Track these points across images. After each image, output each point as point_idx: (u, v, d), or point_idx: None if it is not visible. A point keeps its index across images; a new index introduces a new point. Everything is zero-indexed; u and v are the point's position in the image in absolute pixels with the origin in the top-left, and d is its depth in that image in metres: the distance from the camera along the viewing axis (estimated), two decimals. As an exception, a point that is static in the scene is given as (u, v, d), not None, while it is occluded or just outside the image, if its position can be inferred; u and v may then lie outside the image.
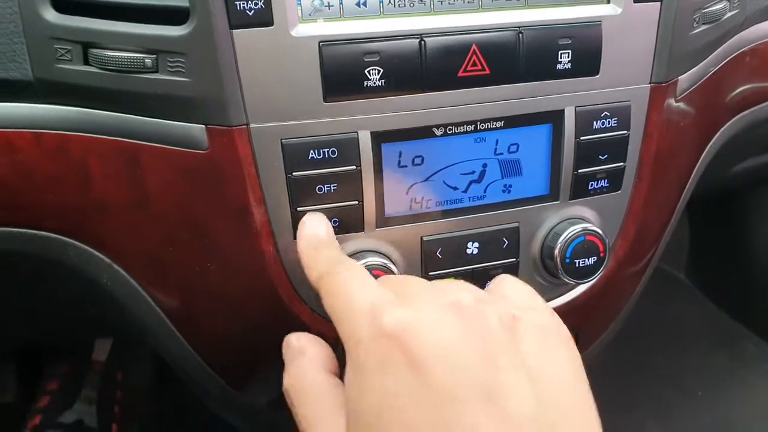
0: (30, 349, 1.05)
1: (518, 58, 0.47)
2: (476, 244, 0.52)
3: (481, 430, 0.30)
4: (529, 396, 0.32)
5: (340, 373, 0.39)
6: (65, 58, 0.44)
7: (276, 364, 0.58)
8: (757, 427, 1.05)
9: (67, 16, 0.43)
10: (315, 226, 0.46)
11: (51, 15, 0.43)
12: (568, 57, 0.48)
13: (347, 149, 0.46)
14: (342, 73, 0.44)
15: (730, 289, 1.30)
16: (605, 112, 0.51)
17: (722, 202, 1.27)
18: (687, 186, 0.66)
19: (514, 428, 0.31)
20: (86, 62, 0.44)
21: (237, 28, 0.42)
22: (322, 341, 0.43)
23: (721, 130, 0.67)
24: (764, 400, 1.11)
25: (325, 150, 0.46)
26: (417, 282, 0.40)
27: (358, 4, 0.44)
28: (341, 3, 0.44)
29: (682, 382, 1.13)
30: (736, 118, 0.68)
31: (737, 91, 0.65)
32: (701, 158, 0.66)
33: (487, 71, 0.47)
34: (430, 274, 0.52)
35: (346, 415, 0.35)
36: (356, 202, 0.48)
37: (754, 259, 1.25)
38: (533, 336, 0.36)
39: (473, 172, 0.51)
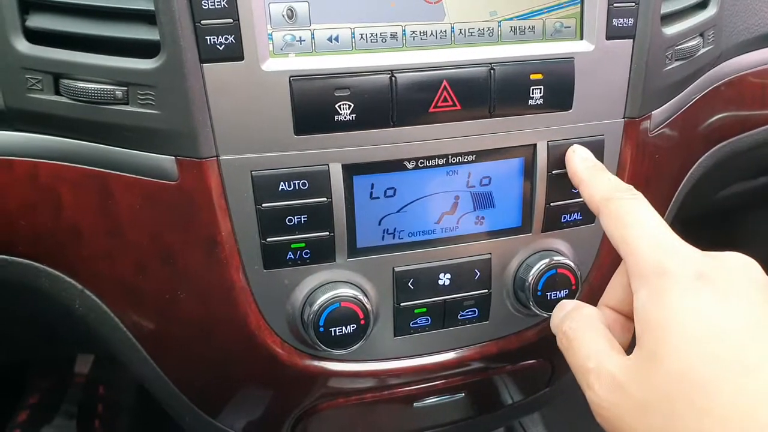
0: (11, 363, 1.05)
1: (490, 93, 0.47)
2: (448, 275, 0.52)
3: None
4: None
5: None
6: (36, 87, 0.44)
7: (249, 392, 0.58)
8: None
9: (39, 46, 0.43)
10: (587, 153, 0.50)
11: (23, 45, 0.43)
12: (540, 93, 0.49)
13: (318, 181, 0.46)
14: (312, 108, 0.44)
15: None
16: (578, 146, 0.52)
17: (714, 224, 1.28)
18: (665, 215, 0.66)
19: None
20: (57, 92, 0.44)
21: (207, 62, 0.42)
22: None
23: (700, 160, 0.68)
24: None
25: (296, 182, 0.46)
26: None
27: (329, 39, 0.45)
28: (313, 38, 0.44)
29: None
30: (714, 148, 0.68)
31: (713, 123, 0.66)
32: (679, 188, 0.66)
33: (458, 107, 0.47)
34: (401, 304, 0.52)
35: (644, 335, 0.39)
36: (327, 233, 0.48)
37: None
38: None
39: (445, 204, 0.51)
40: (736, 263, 0.39)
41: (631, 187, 0.46)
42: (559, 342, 0.45)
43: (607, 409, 0.39)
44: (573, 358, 0.43)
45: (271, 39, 0.43)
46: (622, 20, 0.50)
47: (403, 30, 0.46)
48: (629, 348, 0.41)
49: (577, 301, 0.47)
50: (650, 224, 0.42)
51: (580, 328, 0.43)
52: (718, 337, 0.36)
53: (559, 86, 0.49)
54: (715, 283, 0.38)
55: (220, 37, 0.42)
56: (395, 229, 0.51)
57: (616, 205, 0.44)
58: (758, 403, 0.34)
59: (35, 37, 0.43)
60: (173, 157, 0.44)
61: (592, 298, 0.58)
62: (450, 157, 0.49)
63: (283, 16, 0.43)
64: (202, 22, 0.41)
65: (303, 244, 0.48)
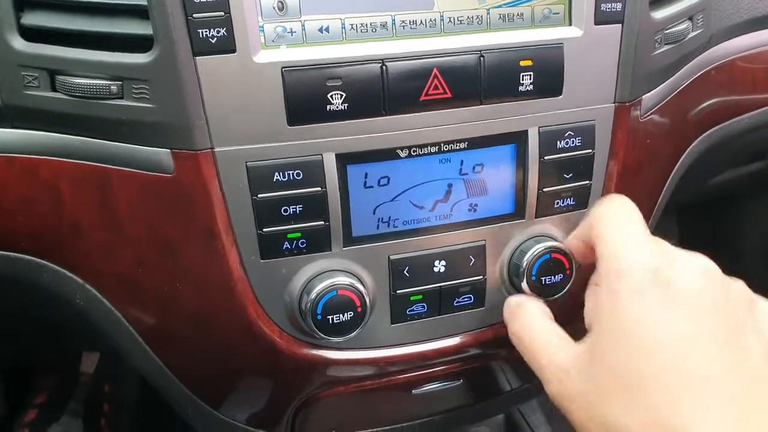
0: (18, 363, 1.06)
1: (480, 81, 0.48)
2: (443, 262, 0.53)
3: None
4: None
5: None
6: (33, 84, 0.45)
7: (249, 382, 0.59)
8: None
9: (35, 44, 0.44)
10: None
11: (18, 43, 0.44)
12: (531, 79, 0.49)
13: (312, 171, 0.47)
14: (305, 98, 0.45)
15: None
16: (569, 132, 0.52)
17: (709, 210, 1.28)
18: (659, 200, 0.67)
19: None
20: (53, 89, 0.45)
21: (200, 55, 0.43)
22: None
23: (692, 145, 0.68)
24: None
25: (290, 172, 0.47)
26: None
27: (320, 30, 0.45)
28: (304, 29, 0.45)
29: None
30: (706, 133, 0.69)
31: (705, 108, 0.66)
32: (672, 173, 0.67)
33: (449, 94, 0.47)
34: (397, 292, 0.53)
35: (594, 330, 0.42)
36: (323, 223, 0.49)
37: (742, 266, 1.26)
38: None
39: (439, 192, 0.52)
40: (690, 266, 0.41)
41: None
42: (512, 341, 0.49)
43: (560, 399, 0.42)
44: (527, 357, 0.46)
45: (263, 31, 0.44)
46: (610, 5, 0.50)
47: (393, 19, 0.46)
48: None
49: (520, 296, 0.52)
50: (625, 223, 0.45)
51: (527, 325, 0.48)
52: (657, 343, 0.38)
53: (548, 72, 0.50)
54: (664, 287, 0.39)
55: (212, 30, 0.42)
56: (390, 217, 0.51)
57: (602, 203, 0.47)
58: (681, 407, 0.36)
59: (31, 34, 0.44)
60: (169, 150, 0.45)
61: (587, 283, 0.59)
62: (442, 144, 0.50)
63: (273, 8, 0.44)
64: (194, 15, 0.42)
65: (299, 234, 0.48)
